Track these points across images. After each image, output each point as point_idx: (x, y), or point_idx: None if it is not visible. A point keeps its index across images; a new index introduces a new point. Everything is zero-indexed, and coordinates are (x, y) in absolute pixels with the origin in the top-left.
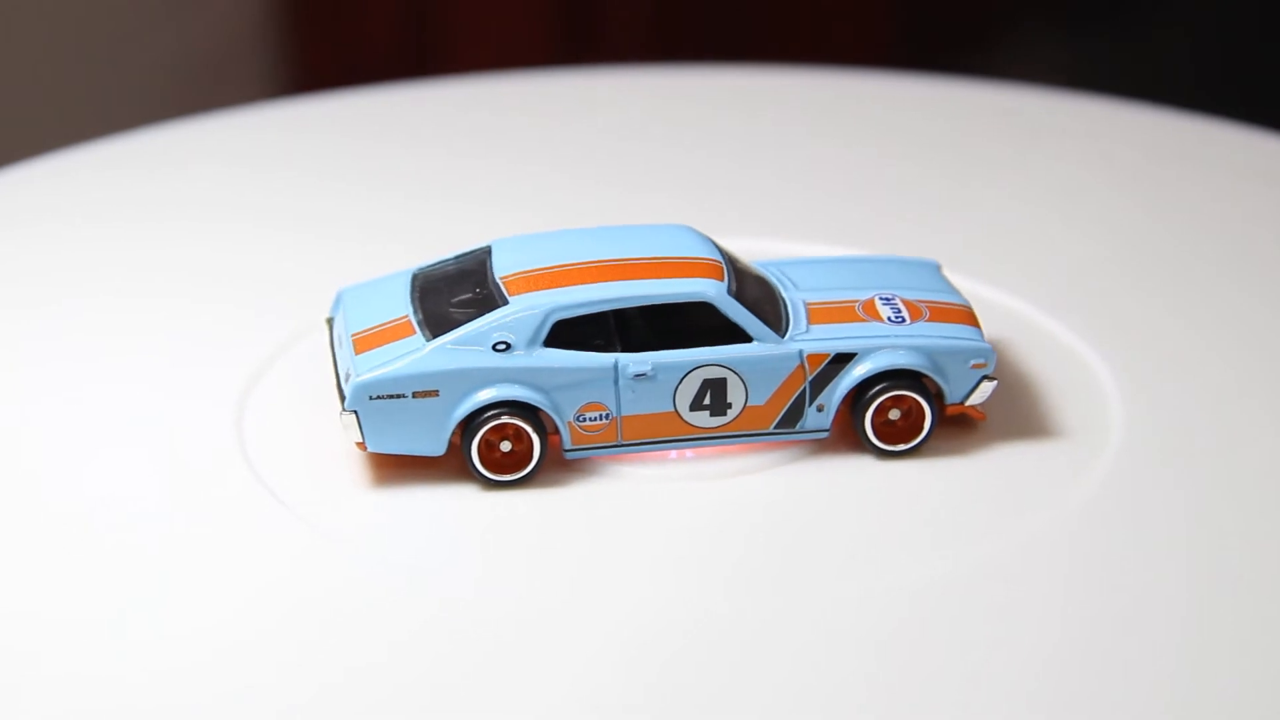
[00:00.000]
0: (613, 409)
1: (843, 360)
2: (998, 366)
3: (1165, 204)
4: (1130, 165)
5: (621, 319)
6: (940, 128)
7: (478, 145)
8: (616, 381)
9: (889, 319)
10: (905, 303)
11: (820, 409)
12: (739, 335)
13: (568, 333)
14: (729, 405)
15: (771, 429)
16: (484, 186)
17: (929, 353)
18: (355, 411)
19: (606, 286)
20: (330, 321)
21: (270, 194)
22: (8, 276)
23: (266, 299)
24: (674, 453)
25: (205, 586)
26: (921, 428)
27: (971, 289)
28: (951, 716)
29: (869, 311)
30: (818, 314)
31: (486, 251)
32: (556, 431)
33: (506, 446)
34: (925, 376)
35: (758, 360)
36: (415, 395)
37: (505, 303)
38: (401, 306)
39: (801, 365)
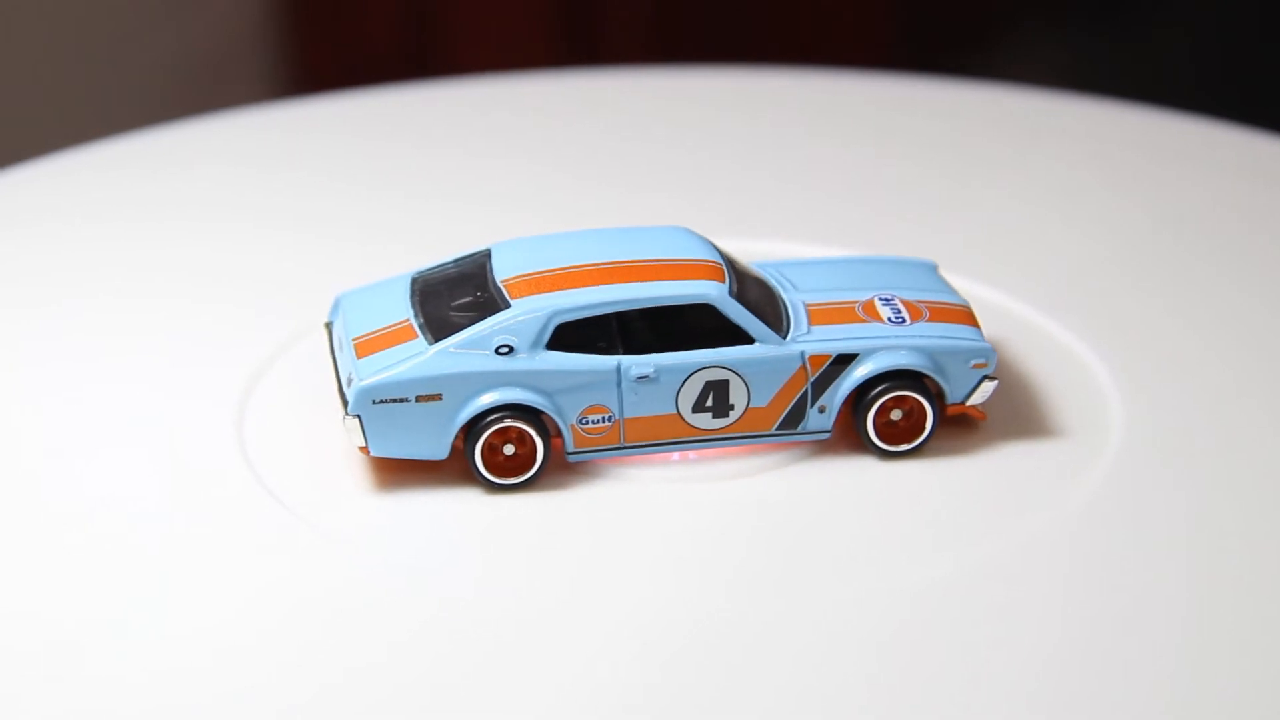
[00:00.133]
0: (615, 411)
1: (844, 361)
2: (997, 367)
3: (1165, 204)
4: (1130, 165)
5: (623, 321)
6: (940, 128)
7: (478, 145)
8: (619, 384)
9: (889, 320)
10: (905, 303)
11: (822, 410)
12: (740, 337)
13: (570, 335)
14: (731, 407)
15: (773, 430)
16: (484, 186)
17: (930, 353)
18: (358, 416)
19: (608, 289)
20: (329, 326)
21: (270, 194)
22: (8, 276)
23: (267, 299)
24: (676, 455)
25: (205, 587)
26: (923, 428)
27: (971, 290)
28: (953, 717)
29: (869, 312)
30: (818, 315)
31: (486, 255)
32: (559, 434)
33: (510, 450)
34: (927, 377)
35: (760, 362)
36: (418, 399)
37: (507, 306)
38: (402, 310)
39: (803, 366)
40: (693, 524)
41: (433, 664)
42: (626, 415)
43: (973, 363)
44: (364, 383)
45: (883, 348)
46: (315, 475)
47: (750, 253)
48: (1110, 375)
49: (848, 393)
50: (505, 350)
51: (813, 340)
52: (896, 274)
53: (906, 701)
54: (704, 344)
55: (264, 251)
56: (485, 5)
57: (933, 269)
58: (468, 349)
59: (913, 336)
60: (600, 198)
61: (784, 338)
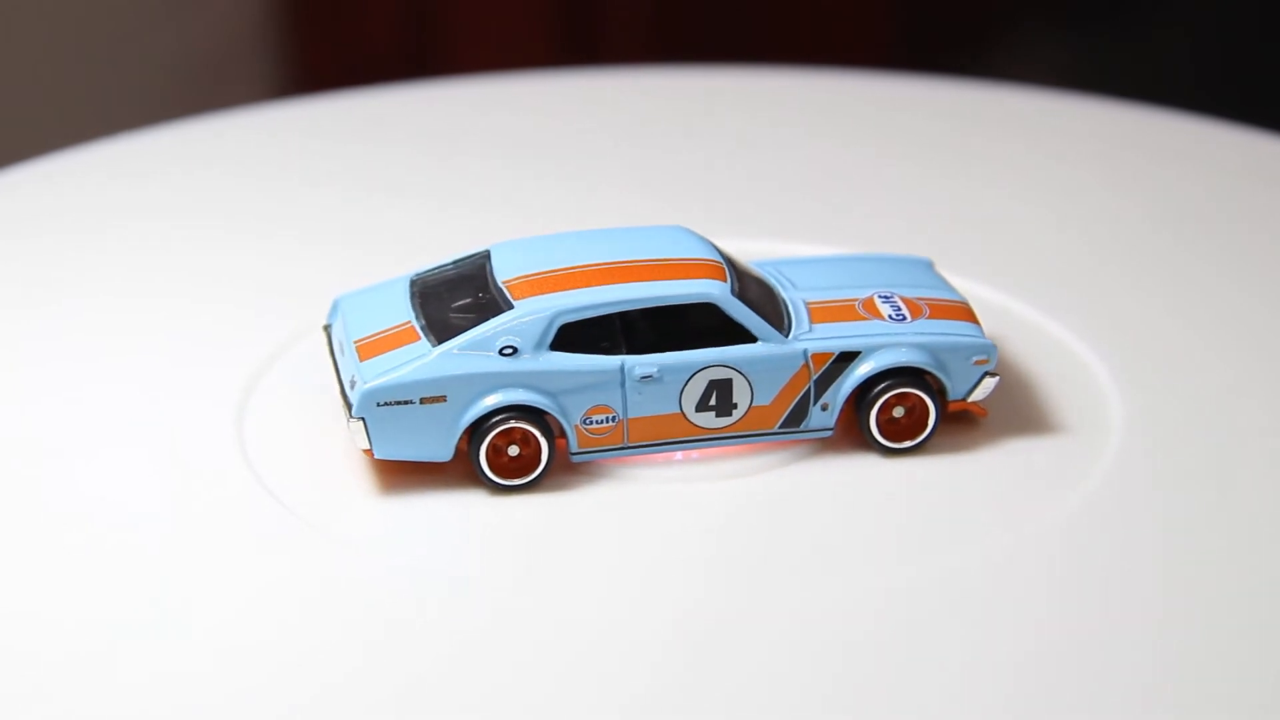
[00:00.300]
0: (619, 411)
1: (846, 359)
2: (998, 365)
3: (1165, 204)
4: (1130, 165)
5: (626, 321)
6: (940, 128)
7: (478, 145)
8: (623, 384)
9: (890, 317)
10: (904, 300)
11: (825, 408)
12: (742, 335)
13: (574, 336)
14: (734, 405)
15: (776, 429)
16: (484, 186)
17: (932, 350)
18: (363, 419)
19: (611, 289)
20: (328, 329)
21: (270, 194)
22: (8, 276)
23: (266, 299)
24: (679, 454)
25: (205, 587)
26: (925, 425)
27: (970, 289)
28: (955, 713)
29: (869, 310)
30: (819, 313)
31: (485, 256)
32: (563, 435)
33: (514, 451)
34: (929, 374)
35: (763, 360)
36: (423, 401)
37: (510, 307)
38: (403, 312)
39: (806, 365)
40: (697, 523)
41: (434, 664)
42: (630, 415)
43: (974, 359)
44: (368, 385)
45: (885, 345)
46: (315, 475)
47: (750, 252)
48: (1110, 374)
49: (850, 390)
50: (509, 351)
51: (815, 338)
52: (894, 271)
53: (909, 698)
54: (707, 343)
55: (264, 251)
56: (485, 5)
57: (928, 266)
58: (472, 350)
59: (914, 333)
60: (600, 198)
61: (786, 336)
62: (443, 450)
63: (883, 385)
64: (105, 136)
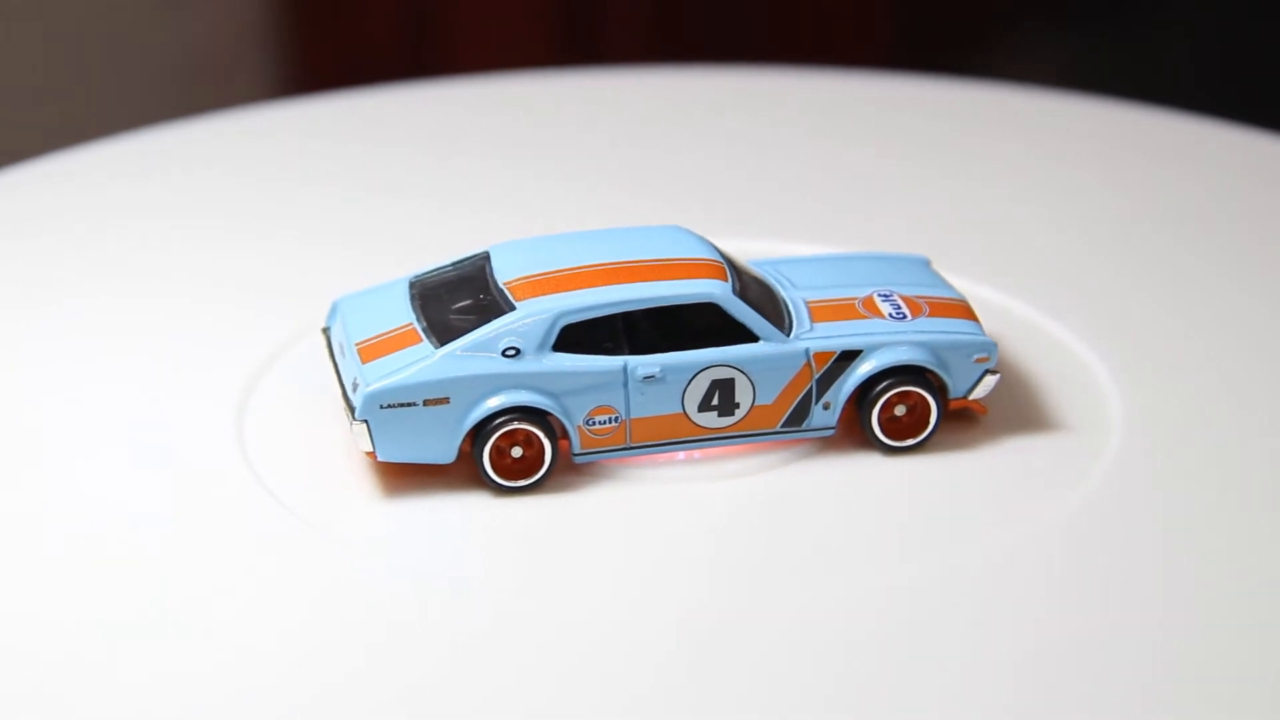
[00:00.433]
0: (622, 412)
1: (848, 358)
2: (997, 364)
3: (1165, 204)
4: (1130, 165)
5: (629, 322)
6: (940, 128)
7: (478, 145)
8: (626, 384)
9: (890, 315)
10: (904, 299)
11: (826, 407)
12: (744, 335)
13: (576, 337)
14: (737, 405)
15: (778, 428)
16: (484, 187)
17: (933, 348)
18: (366, 421)
19: (613, 290)
20: (327, 331)
21: (270, 194)
22: (8, 276)
23: (266, 300)
24: (682, 454)
25: (205, 587)
26: (926, 423)
27: (970, 289)
28: (955, 713)
29: (869, 308)
30: (820, 312)
31: (485, 257)
32: (566, 436)
33: (518, 452)
34: (930, 372)
35: (766, 359)
36: (426, 403)
37: (512, 308)
38: (404, 314)
39: (808, 364)
40: (699, 523)
41: (436, 665)
42: (633, 415)
43: (975, 357)
44: (371, 388)
45: (886, 343)
46: (315, 476)
47: (750, 252)
48: (1110, 374)
49: (852, 389)
50: (512, 353)
51: (816, 337)
52: (892, 270)
53: (910, 698)
54: (709, 343)
55: (264, 252)
56: (485, 5)
57: (925, 264)
58: (475, 352)
59: (915, 332)
60: (600, 198)
61: (788, 335)
62: (446, 452)
63: (885, 384)
64: (105, 136)
